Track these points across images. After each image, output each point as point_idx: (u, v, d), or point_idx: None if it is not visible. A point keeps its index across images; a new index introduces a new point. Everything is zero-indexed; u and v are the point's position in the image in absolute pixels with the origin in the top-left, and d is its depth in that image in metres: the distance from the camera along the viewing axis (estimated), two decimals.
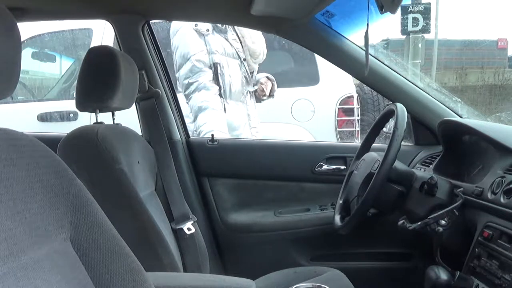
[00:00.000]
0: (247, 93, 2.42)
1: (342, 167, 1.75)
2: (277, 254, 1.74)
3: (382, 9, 1.10)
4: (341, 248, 1.76)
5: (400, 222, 1.31)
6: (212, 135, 1.85)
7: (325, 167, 1.76)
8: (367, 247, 1.76)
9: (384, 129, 1.55)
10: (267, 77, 2.50)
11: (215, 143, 1.81)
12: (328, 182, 1.76)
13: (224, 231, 1.79)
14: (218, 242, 1.80)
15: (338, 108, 3.32)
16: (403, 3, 1.16)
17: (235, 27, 2.34)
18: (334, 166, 1.76)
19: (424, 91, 1.69)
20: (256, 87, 2.48)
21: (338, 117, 3.34)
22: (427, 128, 1.68)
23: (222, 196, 1.80)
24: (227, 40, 2.31)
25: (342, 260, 1.74)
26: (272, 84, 2.51)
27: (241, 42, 2.36)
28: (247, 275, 1.17)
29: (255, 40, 2.40)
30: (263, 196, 1.79)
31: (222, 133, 2.20)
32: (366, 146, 1.56)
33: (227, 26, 2.31)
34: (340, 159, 1.76)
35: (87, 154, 1.26)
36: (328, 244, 1.75)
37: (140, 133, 1.76)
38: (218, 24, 2.28)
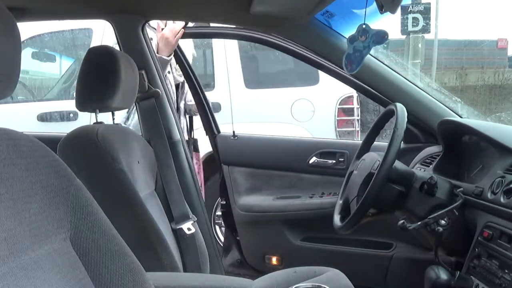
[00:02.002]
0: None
1: (332, 161, 1.96)
2: (272, 232, 2.00)
3: (382, 9, 1.10)
4: (327, 232, 1.82)
5: (400, 222, 1.31)
6: (234, 131, 2.08)
7: (317, 160, 1.97)
8: (352, 234, 1.80)
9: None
10: None
11: (236, 137, 2.07)
12: (320, 174, 1.98)
13: (235, 209, 2.06)
14: (233, 219, 2.09)
15: (338, 108, 3.33)
16: (403, 3, 1.17)
17: None
18: (325, 160, 1.97)
19: (424, 91, 1.69)
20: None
21: (338, 117, 3.34)
22: (415, 127, 1.74)
23: (237, 181, 2.07)
24: None
25: (329, 243, 1.92)
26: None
27: None
28: (247, 274, 1.18)
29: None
30: (269, 183, 2.04)
31: None
32: (366, 146, 1.56)
33: None
34: (330, 154, 1.97)
35: (87, 154, 1.26)
36: (315, 227, 1.94)
37: (140, 133, 1.77)
38: None
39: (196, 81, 2.09)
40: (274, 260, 2.01)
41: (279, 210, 1.99)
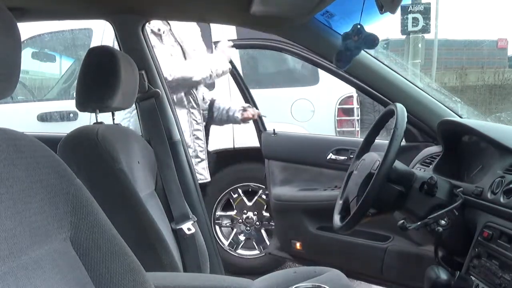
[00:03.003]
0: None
1: (345, 158, 2.12)
2: (295, 220, 2.18)
3: (382, 9, 1.10)
4: None
5: (400, 222, 1.31)
6: (274, 129, 2.31)
7: (333, 157, 2.14)
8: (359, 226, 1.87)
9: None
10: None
11: (275, 135, 2.31)
12: (336, 169, 2.13)
13: (271, 199, 2.28)
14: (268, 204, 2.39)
15: (338, 108, 3.32)
16: (403, 3, 1.17)
17: (174, 32, 2.21)
18: (339, 157, 2.13)
19: (423, 91, 1.69)
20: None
21: (338, 117, 3.34)
22: (415, 127, 1.76)
23: (274, 173, 2.29)
24: (162, 43, 2.15)
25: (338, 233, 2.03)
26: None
27: (181, 47, 2.23)
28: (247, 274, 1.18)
29: (196, 47, 2.29)
30: (297, 176, 2.24)
31: None
32: (365, 146, 1.56)
33: (163, 31, 2.13)
34: (344, 151, 2.14)
35: (87, 154, 1.26)
36: (328, 218, 2.01)
37: (140, 133, 1.77)
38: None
39: (244, 85, 2.42)
40: (298, 245, 2.21)
41: (299, 200, 2.18)
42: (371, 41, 1.28)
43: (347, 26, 1.56)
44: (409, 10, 6.68)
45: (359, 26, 1.27)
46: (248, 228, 2.99)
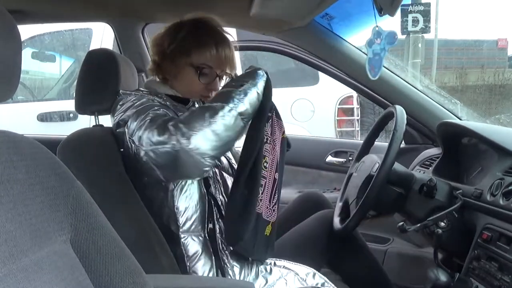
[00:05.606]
0: None
1: (344, 160, 2.13)
2: None
3: (381, 11, 1.10)
4: None
5: (400, 224, 1.31)
6: None
7: (332, 159, 2.15)
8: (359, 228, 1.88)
9: None
10: None
11: None
12: (335, 171, 2.15)
13: None
14: None
15: (338, 108, 3.33)
16: (403, 3, 1.16)
17: None
18: (338, 159, 2.15)
19: (423, 93, 1.69)
20: None
21: (338, 117, 3.35)
22: (414, 129, 1.77)
23: None
24: None
25: None
26: None
27: None
28: None
29: None
30: (296, 178, 2.23)
31: None
32: (365, 148, 1.56)
33: None
34: (343, 153, 2.15)
35: (86, 156, 1.26)
36: None
37: None
38: None
39: None
40: None
41: None
42: (392, 38, 1.28)
43: (346, 28, 1.56)
44: (409, 10, 6.68)
45: (377, 28, 1.27)
46: None
